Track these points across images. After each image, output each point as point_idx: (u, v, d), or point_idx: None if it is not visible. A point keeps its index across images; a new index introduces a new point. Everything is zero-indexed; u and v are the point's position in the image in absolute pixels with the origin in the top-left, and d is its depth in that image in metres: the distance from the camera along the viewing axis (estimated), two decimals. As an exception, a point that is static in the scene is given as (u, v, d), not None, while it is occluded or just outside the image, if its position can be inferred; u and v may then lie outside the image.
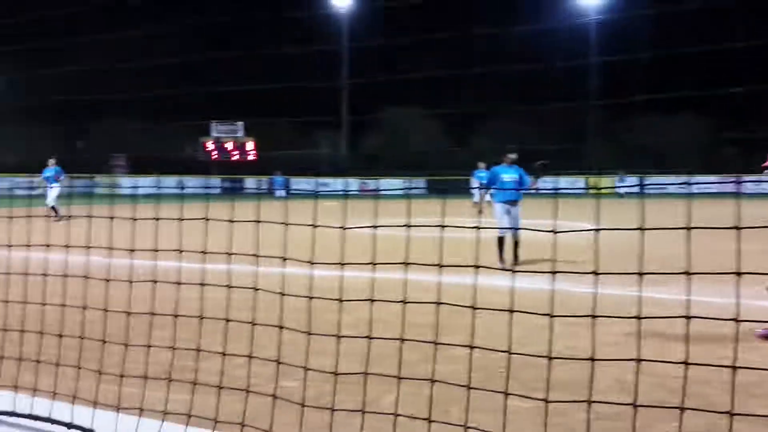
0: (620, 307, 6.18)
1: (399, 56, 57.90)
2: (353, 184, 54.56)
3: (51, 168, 23.91)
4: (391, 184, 53.14)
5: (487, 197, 14.07)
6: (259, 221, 3.50)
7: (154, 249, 3.66)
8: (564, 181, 52.10)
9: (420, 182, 55.00)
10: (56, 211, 21.71)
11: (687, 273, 2.26)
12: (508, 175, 11.61)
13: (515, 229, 10.90)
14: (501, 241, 11.15)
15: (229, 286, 3.56)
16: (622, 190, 46.59)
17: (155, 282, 3.66)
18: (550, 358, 2.66)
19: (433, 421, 2.99)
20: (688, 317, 2.36)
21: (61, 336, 3.78)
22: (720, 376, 4.20)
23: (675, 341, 5.16)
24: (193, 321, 3.86)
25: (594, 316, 2.59)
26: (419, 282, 7.63)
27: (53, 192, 23.20)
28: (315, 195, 3.54)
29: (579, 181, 52.33)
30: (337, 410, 3.39)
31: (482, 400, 3.60)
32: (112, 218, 3.88)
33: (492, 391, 3.21)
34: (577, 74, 57.56)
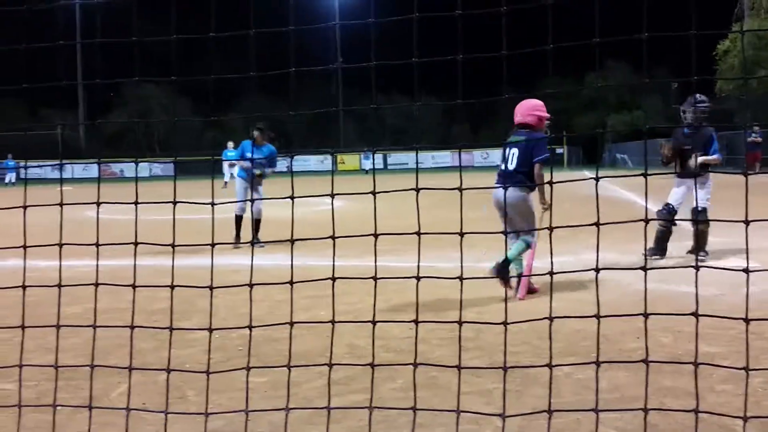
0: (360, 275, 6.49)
1: (136, 28, 54.82)
2: (93, 168, 50.94)
3: None
4: (135, 167, 50.53)
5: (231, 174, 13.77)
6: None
7: None
8: (313, 159, 53.35)
9: (168, 164, 52.84)
10: None
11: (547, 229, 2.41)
12: (255, 153, 11.52)
13: (254, 206, 10.92)
14: (239, 218, 11.10)
15: None
16: (366, 166, 48.89)
17: None
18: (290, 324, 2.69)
19: (170, 413, 2.90)
20: (418, 278, 2.54)
21: None
22: (440, 333, 4.60)
23: (408, 307, 5.54)
24: None
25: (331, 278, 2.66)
26: (160, 267, 7.37)
27: None
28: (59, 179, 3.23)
29: (328, 159, 53.92)
30: (60, 406, 3.15)
31: (222, 380, 3.57)
32: None
33: (229, 370, 3.19)
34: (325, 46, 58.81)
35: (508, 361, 4.03)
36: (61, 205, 3.01)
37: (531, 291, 6.18)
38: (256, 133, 11.46)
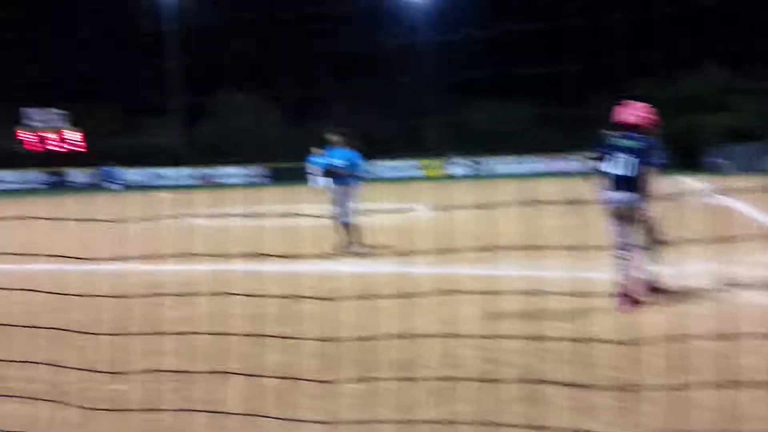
0: (447, 284, 6.40)
1: (228, 39, 56.60)
2: (191, 173, 52.75)
3: None
4: (230, 172, 51.91)
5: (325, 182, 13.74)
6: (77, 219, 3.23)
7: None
8: (401, 165, 53.42)
9: (260, 169, 54.19)
10: None
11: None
12: (339, 159, 11.52)
13: (344, 213, 10.97)
14: (340, 225, 11.13)
15: None
16: (455, 172, 48.55)
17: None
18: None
19: (271, 417, 2.91)
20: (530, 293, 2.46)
21: None
22: (542, 345, 4.44)
23: (510, 317, 5.40)
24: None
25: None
26: (262, 273, 7.48)
27: None
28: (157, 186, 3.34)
29: (415, 164, 53.89)
30: (163, 410, 3.22)
31: (324, 386, 3.58)
32: None
33: (323, 381, 3.19)
34: (412, 56, 59.04)
35: (612, 376, 3.86)
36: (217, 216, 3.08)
37: (636, 302, 5.91)
38: (336, 138, 11.45)
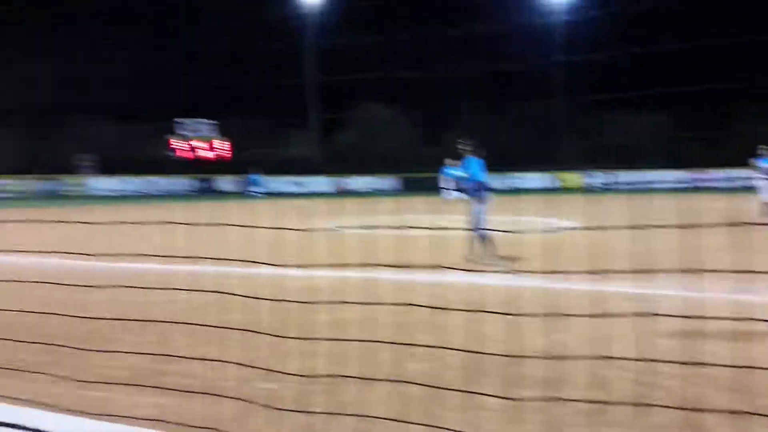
0: (595, 303, 6.16)
1: (368, 54, 57.98)
2: (327, 182, 54.39)
3: None
4: (364, 182, 53.05)
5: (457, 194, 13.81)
6: (247, 225, 3.38)
7: (126, 253, 3.52)
8: (532, 178, 52.51)
9: (392, 180, 54.97)
10: None
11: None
12: (471, 170, 11.57)
13: (478, 225, 10.95)
14: (476, 237, 11.07)
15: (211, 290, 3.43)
16: (596, 184, 47.02)
17: (130, 288, 3.52)
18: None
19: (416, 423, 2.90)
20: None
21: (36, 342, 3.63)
22: (697, 370, 4.16)
23: (661, 336, 5.12)
24: (161, 324, 3.72)
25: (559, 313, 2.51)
26: (401, 282, 7.53)
27: None
28: (293, 194, 3.45)
29: (546, 178, 52.76)
30: (314, 413, 3.28)
31: (465, 398, 3.52)
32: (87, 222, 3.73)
33: (465, 391, 3.13)
34: (545, 72, 58.04)
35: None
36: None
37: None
38: (467, 150, 11.44)
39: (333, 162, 62.18)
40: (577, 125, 58.17)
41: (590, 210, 18.99)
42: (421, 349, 4.18)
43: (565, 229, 13.88)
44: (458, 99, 58.81)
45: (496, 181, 11.76)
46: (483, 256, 10.70)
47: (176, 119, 56.58)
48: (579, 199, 27.84)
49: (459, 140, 11.80)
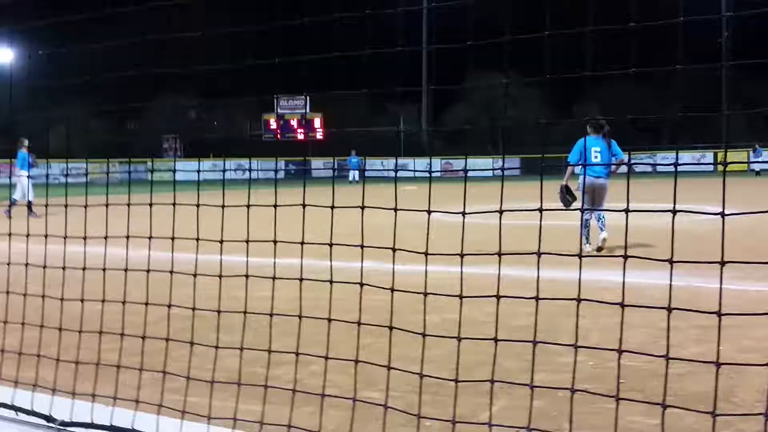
0: (760, 305, 5.95)
1: (485, 17, 57.50)
2: (435, 164, 54.59)
3: (25, 152, 22.15)
4: (478, 164, 52.88)
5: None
6: (333, 206, 3.51)
7: (214, 239, 3.73)
8: (687, 156, 50.63)
9: (514, 161, 54.49)
10: (30, 208, 19.67)
11: None
12: (595, 148, 11.47)
13: (596, 210, 10.84)
14: (596, 225, 11.00)
15: (301, 279, 3.59)
16: (757, 167, 44.87)
17: (219, 277, 3.73)
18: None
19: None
20: None
21: (122, 335, 3.92)
22: None
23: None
24: (260, 323, 3.92)
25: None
26: (518, 278, 7.52)
27: (25, 182, 22.02)
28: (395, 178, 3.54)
29: (706, 156, 50.68)
30: (425, 417, 3.38)
31: (604, 415, 3.52)
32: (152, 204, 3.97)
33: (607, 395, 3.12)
34: (705, 30, 55.60)
35: None
36: (428, 211, 3.22)
37: None
38: (596, 127, 11.30)
39: (442, 141, 62.20)
40: (742, 94, 55.56)
41: (756, 195, 18.17)
42: (544, 358, 4.18)
43: (717, 216, 13.39)
44: (594, 62, 57.37)
45: (623, 157, 11.68)
46: (598, 246, 10.62)
47: (274, 95, 58.16)
48: (743, 182, 26.60)
49: (588, 117, 11.75)
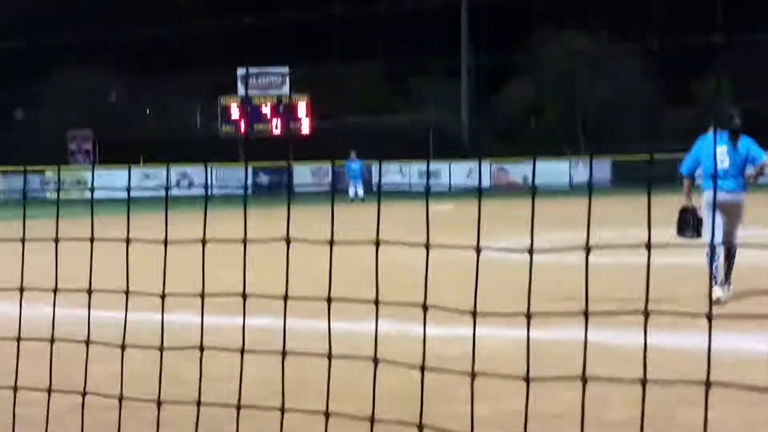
0: None
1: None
2: (482, 170, 54.69)
3: None
4: (549, 171, 52.85)
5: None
6: (333, 242, 3.53)
7: (151, 292, 3.76)
8: None
9: (602, 167, 54.61)
10: None
11: None
12: (721, 149, 11.54)
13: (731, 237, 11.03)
14: (712, 255, 11.03)
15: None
16: None
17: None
18: None
19: None
20: None
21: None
22: None
23: None
24: (219, 419, 3.91)
25: None
26: (611, 344, 7.51)
27: None
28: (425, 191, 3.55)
29: None
30: None
31: None
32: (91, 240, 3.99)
33: None
34: None
35: None
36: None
37: None
38: (737, 122, 11.44)
39: (493, 136, 62.45)
40: None
41: None
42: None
43: None
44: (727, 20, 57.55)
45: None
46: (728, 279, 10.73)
47: (237, 68, 58.25)
48: None
49: (718, 106, 11.88)
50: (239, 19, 53.31)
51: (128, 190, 4.06)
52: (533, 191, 3.12)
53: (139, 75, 61.20)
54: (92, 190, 4.45)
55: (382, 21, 56.96)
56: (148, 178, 49.51)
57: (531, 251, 2.96)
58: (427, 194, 3.63)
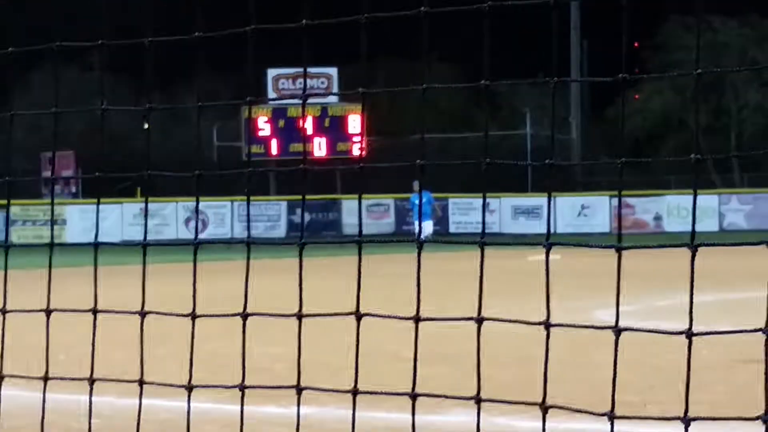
0: None
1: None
2: (599, 206, 54.79)
3: None
4: (684, 207, 52.70)
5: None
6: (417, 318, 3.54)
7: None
8: None
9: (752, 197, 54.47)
10: None
11: None
12: None
13: None
14: None
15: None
16: None
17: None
18: None
19: None
20: None
21: None
22: None
23: None
24: None
25: None
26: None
27: None
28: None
29: None
30: None
31: None
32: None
33: None
34: None
35: None
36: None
37: None
38: None
39: (612, 158, 62.43)
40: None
41: None
42: None
43: None
44: None
45: None
46: None
47: (266, 69, 58.50)
48: None
49: None
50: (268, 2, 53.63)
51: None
52: (692, 242, 3.06)
53: (138, 79, 61.65)
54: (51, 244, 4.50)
55: (465, 10, 57.21)
56: (151, 215, 49.74)
57: (690, 334, 2.93)
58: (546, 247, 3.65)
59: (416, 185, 46.43)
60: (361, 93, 3.82)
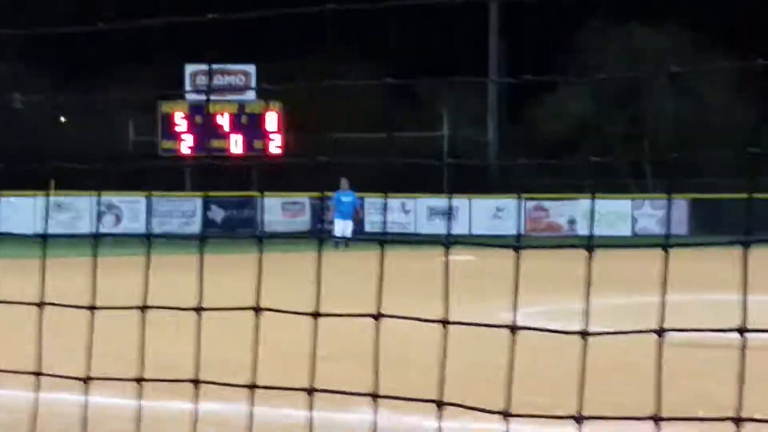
0: None
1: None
2: (508, 209, 54.86)
3: None
4: (607, 210, 52.98)
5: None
6: (318, 314, 3.55)
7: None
8: None
9: (678, 206, 54.83)
10: None
11: None
12: None
13: None
14: None
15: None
16: None
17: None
18: None
19: None
20: None
21: None
22: None
23: None
24: None
25: None
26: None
27: None
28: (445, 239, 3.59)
29: None
30: None
31: None
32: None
33: None
34: None
35: None
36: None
37: None
38: None
39: (528, 161, 62.64)
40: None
41: None
42: None
43: None
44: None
45: None
46: None
47: (184, 64, 58.17)
48: None
49: None
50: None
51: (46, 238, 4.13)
52: (589, 243, 3.10)
53: (54, 73, 61.23)
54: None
55: (387, 9, 57.18)
56: (59, 209, 49.27)
57: (585, 334, 2.97)
58: (447, 243, 3.67)
59: (344, 182, 46.28)
60: (271, 90, 3.79)
